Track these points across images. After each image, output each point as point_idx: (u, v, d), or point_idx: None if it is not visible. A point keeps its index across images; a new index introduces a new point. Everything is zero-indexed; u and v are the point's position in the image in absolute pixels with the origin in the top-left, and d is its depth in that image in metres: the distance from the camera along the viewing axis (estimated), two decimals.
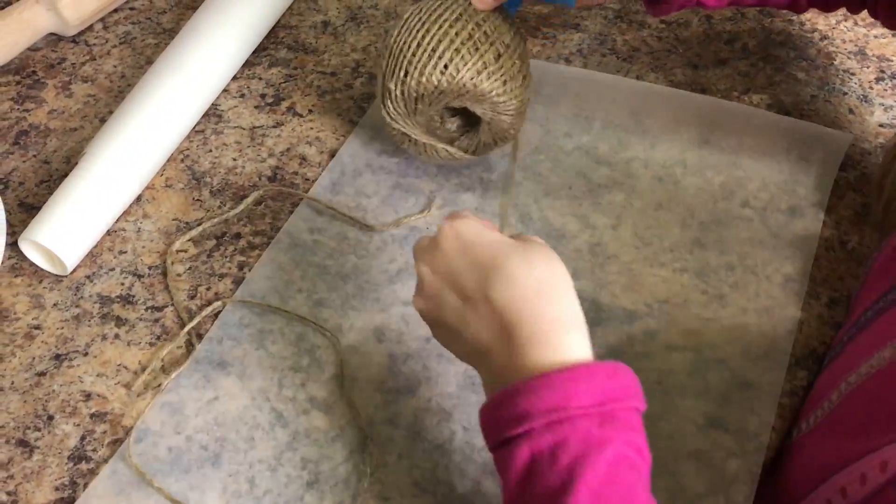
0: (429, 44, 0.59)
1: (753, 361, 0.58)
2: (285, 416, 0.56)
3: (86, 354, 0.59)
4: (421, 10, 0.61)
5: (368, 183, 0.68)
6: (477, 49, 0.59)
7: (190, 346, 0.59)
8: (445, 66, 0.59)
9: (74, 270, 0.63)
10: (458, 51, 0.59)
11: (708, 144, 0.68)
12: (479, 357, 0.47)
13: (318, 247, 0.64)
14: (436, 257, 0.48)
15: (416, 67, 0.59)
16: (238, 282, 0.62)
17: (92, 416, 0.56)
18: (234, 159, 0.70)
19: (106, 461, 0.54)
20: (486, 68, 0.59)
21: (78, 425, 0.55)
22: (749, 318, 0.60)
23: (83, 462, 0.54)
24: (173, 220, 0.66)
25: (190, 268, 0.63)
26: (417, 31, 0.60)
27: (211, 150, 0.70)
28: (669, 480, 0.53)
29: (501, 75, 0.59)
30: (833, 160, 0.67)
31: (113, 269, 0.63)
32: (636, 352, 0.58)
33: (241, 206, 0.65)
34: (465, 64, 0.59)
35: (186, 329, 0.59)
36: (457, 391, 0.57)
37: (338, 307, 0.61)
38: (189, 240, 0.64)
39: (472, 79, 0.59)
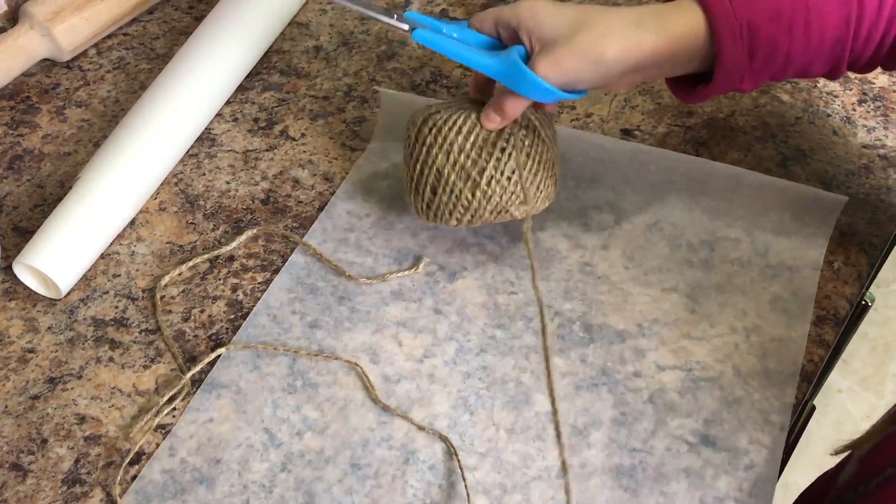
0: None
1: (743, 380, 0.58)
2: (279, 437, 0.56)
3: (80, 377, 0.59)
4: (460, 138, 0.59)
5: (362, 231, 0.68)
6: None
7: (184, 369, 0.59)
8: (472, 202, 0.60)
9: (68, 294, 0.63)
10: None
11: (697, 199, 0.68)
12: None
13: (312, 270, 0.65)
14: None
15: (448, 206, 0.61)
16: (232, 304, 0.63)
17: (86, 439, 0.56)
18: (228, 182, 0.70)
19: (100, 484, 0.54)
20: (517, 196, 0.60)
21: (72, 448, 0.56)
22: (738, 336, 0.61)
23: (77, 485, 0.54)
24: (167, 243, 0.66)
25: (183, 290, 0.63)
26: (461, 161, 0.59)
27: (204, 174, 0.71)
28: (661, 498, 0.53)
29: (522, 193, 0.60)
30: (828, 221, 0.66)
31: (107, 293, 0.64)
32: (626, 371, 0.59)
33: (234, 244, 0.66)
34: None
35: (189, 376, 0.58)
36: (449, 411, 0.57)
37: (331, 328, 0.61)
38: (178, 273, 0.64)
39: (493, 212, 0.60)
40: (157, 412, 0.57)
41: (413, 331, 0.61)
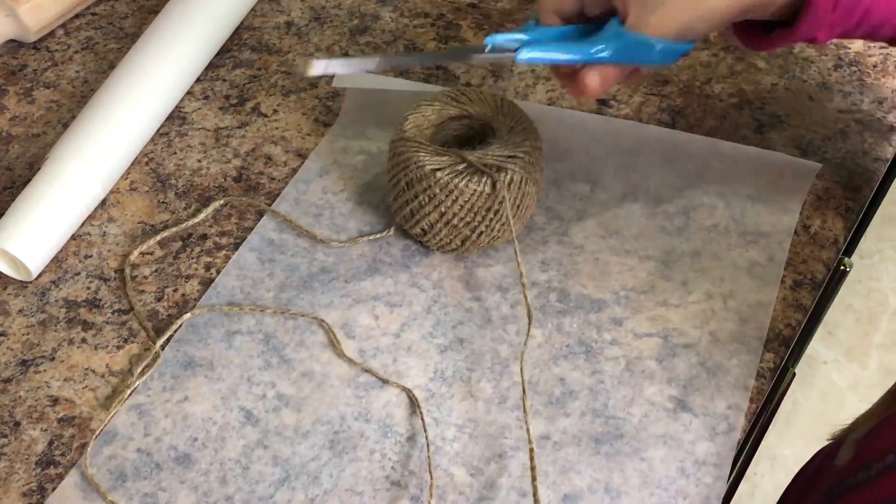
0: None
1: (720, 345, 0.58)
2: (255, 414, 0.56)
3: (52, 359, 0.58)
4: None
5: (335, 183, 0.68)
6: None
7: (155, 341, 0.58)
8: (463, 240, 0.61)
9: (39, 276, 0.62)
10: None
11: (672, 166, 0.67)
12: None
13: (286, 246, 0.64)
14: None
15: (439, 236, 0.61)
16: (205, 283, 0.62)
17: (59, 420, 0.55)
18: (199, 161, 0.69)
19: (74, 465, 0.53)
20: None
21: (45, 430, 0.55)
22: (715, 302, 0.61)
23: (51, 467, 0.53)
24: (139, 223, 0.66)
25: (156, 270, 0.63)
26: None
27: (175, 153, 0.70)
28: (641, 465, 0.53)
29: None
30: (802, 187, 0.66)
31: (79, 274, 0.63)
32: (604, 339, 0.59)
33: (202, 215, 0.65)
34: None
35: (159, 344, 0.58)
36: (427, 383, 0.57)
37: (307, 305, 0.61)
38: (148, 248, 0.64)
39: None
40: (132, 391, 0.56)
41: (389, 305, 0.61)
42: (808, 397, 1.60)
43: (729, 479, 0.54)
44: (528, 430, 0.52)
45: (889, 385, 0.56)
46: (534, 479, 0.51)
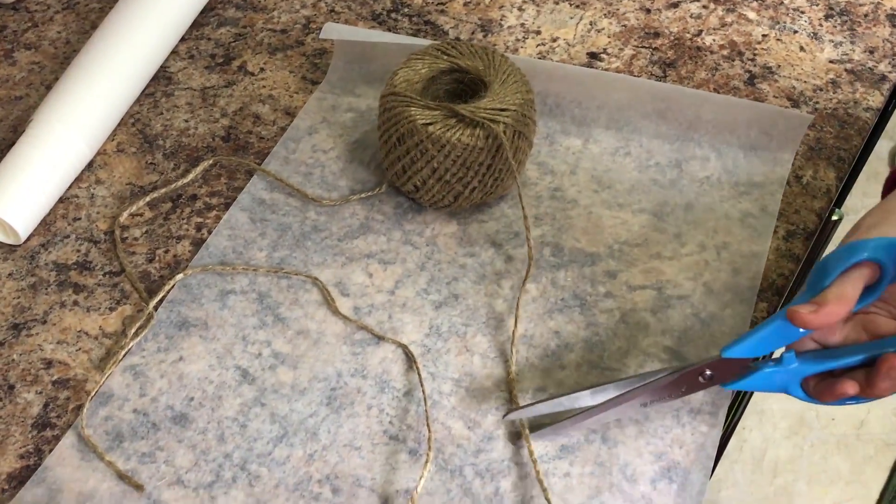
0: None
1: (714, 296, 0.59)
2: (251, 372, 0.55)
3: (45, 322, 0.58)
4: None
5: (325, 141, 0.67)
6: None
7: (147, 302, 0.58)
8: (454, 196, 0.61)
9: (28, 239, 0.62)
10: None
11: (664, 119, 0.67)
12: None
13: (277, 205, 0.63)
14: None
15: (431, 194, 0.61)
16: (196, 243, 0.61)
17: (54, 383, 0.55)
18: (187, 121, 0.69)
19: (71, 427, 0.53)
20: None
21: (40, 393, 0.55)
22: (708, 254, 0.61)
23: (47, 429, 0.53)
24: (127, 184, 0.65)
25: (147, 231, 0.62)
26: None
27: (162, 113, 0.69)
28: (636, 414, 0.54)
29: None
30: (794, 138, 0.65)
31: (68, 237, 0.62)
32: (598, 292, 0.59)
33: (191, 176, 0.64)
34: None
35: (152, 304, 0.57)
36: (422, 339, 0.57)
37: (300, 264, 0.60)
38: (138, 209, 0.63)
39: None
40: (126, 352, 0.56)
41: (383, 262, 0.61)
42: None
43: (724, 427, 0.54)
44: (514, 329, 0.51)
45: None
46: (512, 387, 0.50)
